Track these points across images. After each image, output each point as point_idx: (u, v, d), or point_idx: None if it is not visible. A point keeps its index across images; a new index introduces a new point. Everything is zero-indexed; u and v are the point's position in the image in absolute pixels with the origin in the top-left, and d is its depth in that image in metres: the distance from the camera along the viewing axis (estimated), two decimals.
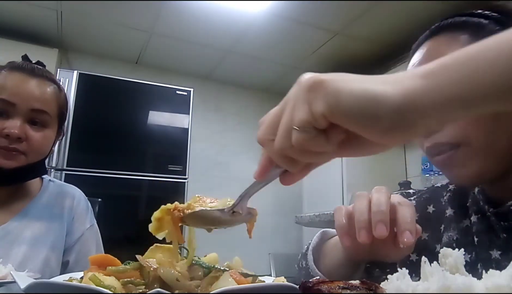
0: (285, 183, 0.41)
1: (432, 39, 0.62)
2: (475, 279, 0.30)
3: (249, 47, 3.34)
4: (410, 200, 0.71)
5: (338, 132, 0.34)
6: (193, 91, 3.15)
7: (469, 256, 0.62)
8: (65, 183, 1.11)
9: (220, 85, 3.99)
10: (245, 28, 3.05)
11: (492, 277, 0.29)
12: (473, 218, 0.63)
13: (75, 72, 2.83)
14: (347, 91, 0.32)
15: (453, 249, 0.35)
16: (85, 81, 2.83)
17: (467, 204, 0.67)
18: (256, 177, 0.40)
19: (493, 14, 0.58)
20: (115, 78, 2.99)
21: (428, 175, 2.43)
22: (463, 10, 0.61)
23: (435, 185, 0.76)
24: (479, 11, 0.60)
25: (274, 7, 2.75)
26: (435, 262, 0.33)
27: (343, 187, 3.17)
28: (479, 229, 0.62)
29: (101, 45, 3.37)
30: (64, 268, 0.98)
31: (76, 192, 1.08)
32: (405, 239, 0.48)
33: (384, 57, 3.26)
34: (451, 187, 0.71)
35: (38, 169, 0.96)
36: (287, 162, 0.37)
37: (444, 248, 0.36)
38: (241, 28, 3.05)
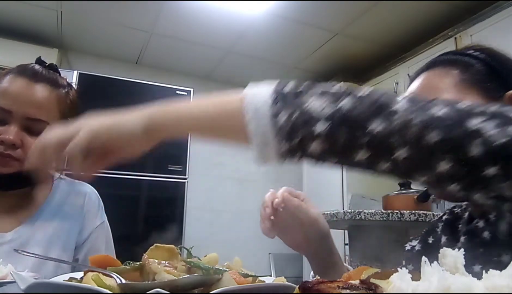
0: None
1: (428, 71, 0.71)
2: (475, 279, 0.30)
3: (249, 47, 3.33)
4: (420, 236, 0.81)
5: None
6: (193, 91, 3.15)
7: None
8: (76, 181, 1.09)
9: (220, 85, 3.99)
10: (245, 28, 3.05)
11: (492, 277, 0.29)
12: (462, 239, 0.67)
13: (75, 72, 2.83)
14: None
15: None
16: (85, 81, 2.83)
17: (459, 229, 0.71)
18: None
19: (481, 55, 0.68)
20: (115, 78, 2.99)
21: None
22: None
23: (436, 216, 0.82)
24: (470, 51, 0.69)
25: (274, 7, 2.75)
26: (435, 262, 0.33)
27: (343, 187, 3.17)
28: (465, 248, 0.64)
29: (101, 45, 3.37)
30: (73, 266, 0.97)
31: (87, 189, 1.06)
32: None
33: (384, 57, 3.26)
34: (444, 217, 0.77)
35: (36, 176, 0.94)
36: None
37: (444, 248, 0.36)
38: (241, 28, 3.05)
